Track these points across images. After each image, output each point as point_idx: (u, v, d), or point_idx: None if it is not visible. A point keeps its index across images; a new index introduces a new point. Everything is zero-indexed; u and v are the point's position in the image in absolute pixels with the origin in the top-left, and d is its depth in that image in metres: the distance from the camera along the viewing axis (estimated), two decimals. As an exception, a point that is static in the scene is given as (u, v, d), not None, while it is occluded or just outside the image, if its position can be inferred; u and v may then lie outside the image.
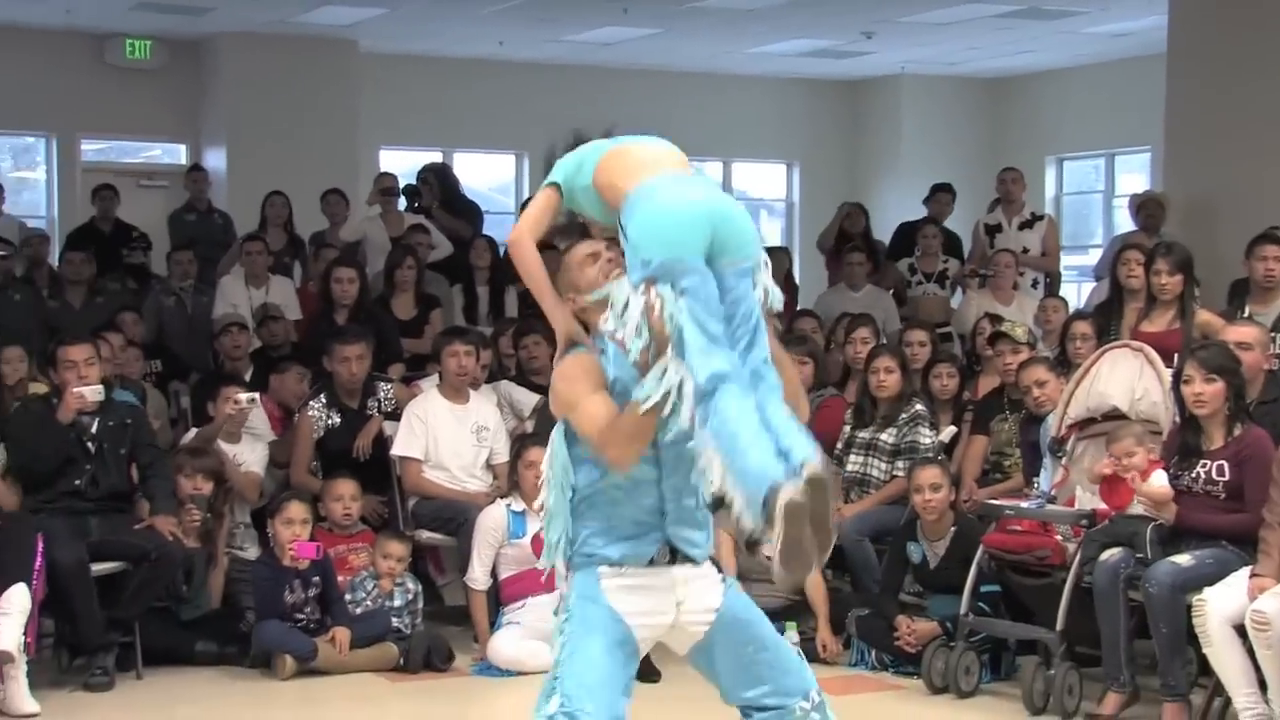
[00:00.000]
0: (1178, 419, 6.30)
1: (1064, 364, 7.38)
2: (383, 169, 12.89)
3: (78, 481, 6.81)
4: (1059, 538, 6.39)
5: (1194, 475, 5.96)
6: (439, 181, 11.96)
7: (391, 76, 14.56)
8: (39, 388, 7.54)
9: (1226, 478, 5.89)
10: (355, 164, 13.61)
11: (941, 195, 12.04)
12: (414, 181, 11.99)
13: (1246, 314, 7.41)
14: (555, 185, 4.10)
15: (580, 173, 4.10)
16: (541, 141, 15.82)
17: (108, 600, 6.60)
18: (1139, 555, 5.88)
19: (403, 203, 11.49)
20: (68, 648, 6.68)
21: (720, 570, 3.99)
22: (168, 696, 6.48)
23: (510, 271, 10.56)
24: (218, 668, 6.86)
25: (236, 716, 6.22)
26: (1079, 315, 8.24)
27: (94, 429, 6.89)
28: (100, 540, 6.67)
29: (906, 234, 11.75)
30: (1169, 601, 5.67)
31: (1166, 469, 6.03)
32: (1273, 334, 7.09)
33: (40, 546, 6.30)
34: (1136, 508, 6.03)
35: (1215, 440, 5.97)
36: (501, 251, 11.04)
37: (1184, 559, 5.76)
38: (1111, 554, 5.96)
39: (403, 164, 14.23)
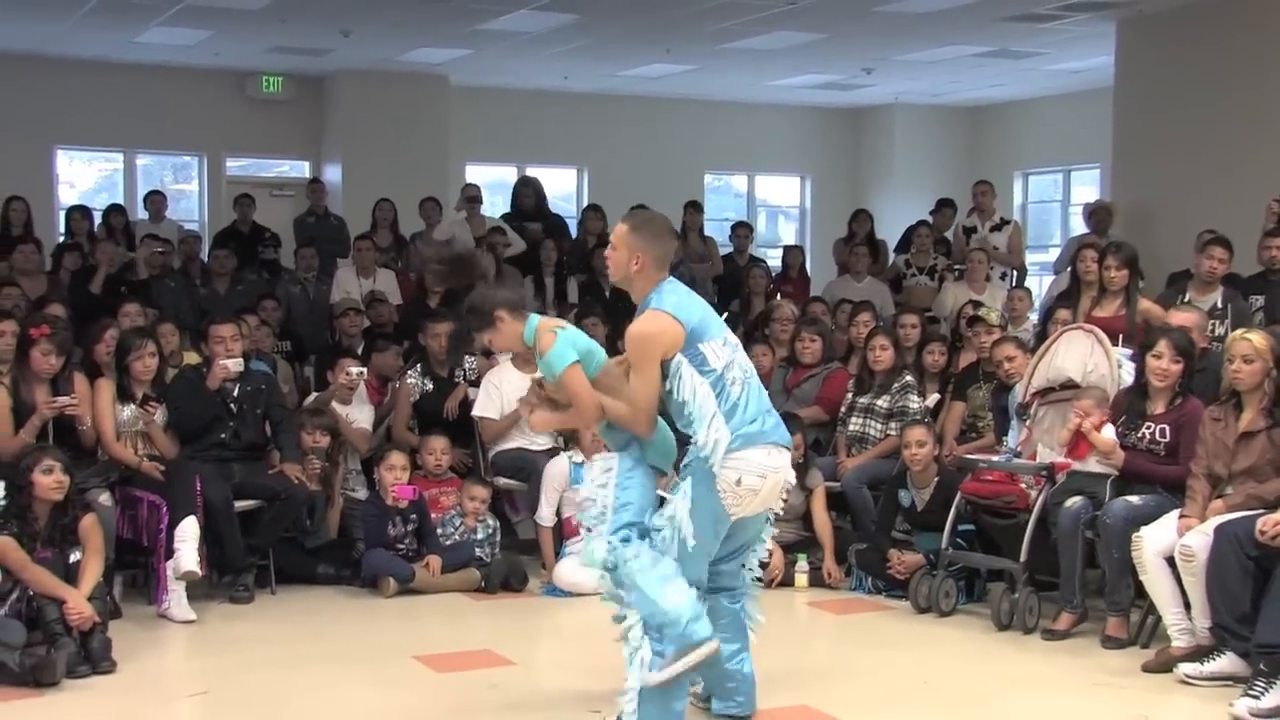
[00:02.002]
0: (1121, 385, 6.24)
1: (1043, 340, 7.28)
2: (468, 181, 12.91)
3: (223, 435, 6.85)
4: (1023, 486, 6.35)
5: (1139, 435, 5.92)
6: (534, 192, 11.92)
7: (476, 105, 14.55)
8: (192, 357, 7.59)
9: (1167, 439, 5.84)
10: (446, 177, 13.61)
11: (945, 209, 11.92)
12: (511, 188, 11.93)
13: (1187, 299, 7.33)
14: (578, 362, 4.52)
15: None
16: (599, 158, 15.95)
17: (247, 531, 6.64)
18: (1096, 513, 5.81)
19: (490, 208, 11.39)
20: (216, 568, 6.72)
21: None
22: (296, 609, 6.52)
23: (572, 267, 10.64)
24: (335, 586, 6.90)
25: (350, 625, 6.24)
26: (1060, 304, 8.05)
27: (235, 393, 6.93)
28: (241, 482, 6.71)
29: (909, 234, 11.64)
30: (1121, 532, 5.63)
31: (1115, 427, 5.99)
32: (1210, 320, 7.00)
33: (199, 486, 6.36)
34: (1091, 463, 5.98)
35: (1159, 407, 5.92)
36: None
37: (1135, 499, 5.74)
38: (1073, 502, 5.91)
39: (485, 177, 14.25)
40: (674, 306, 4.41)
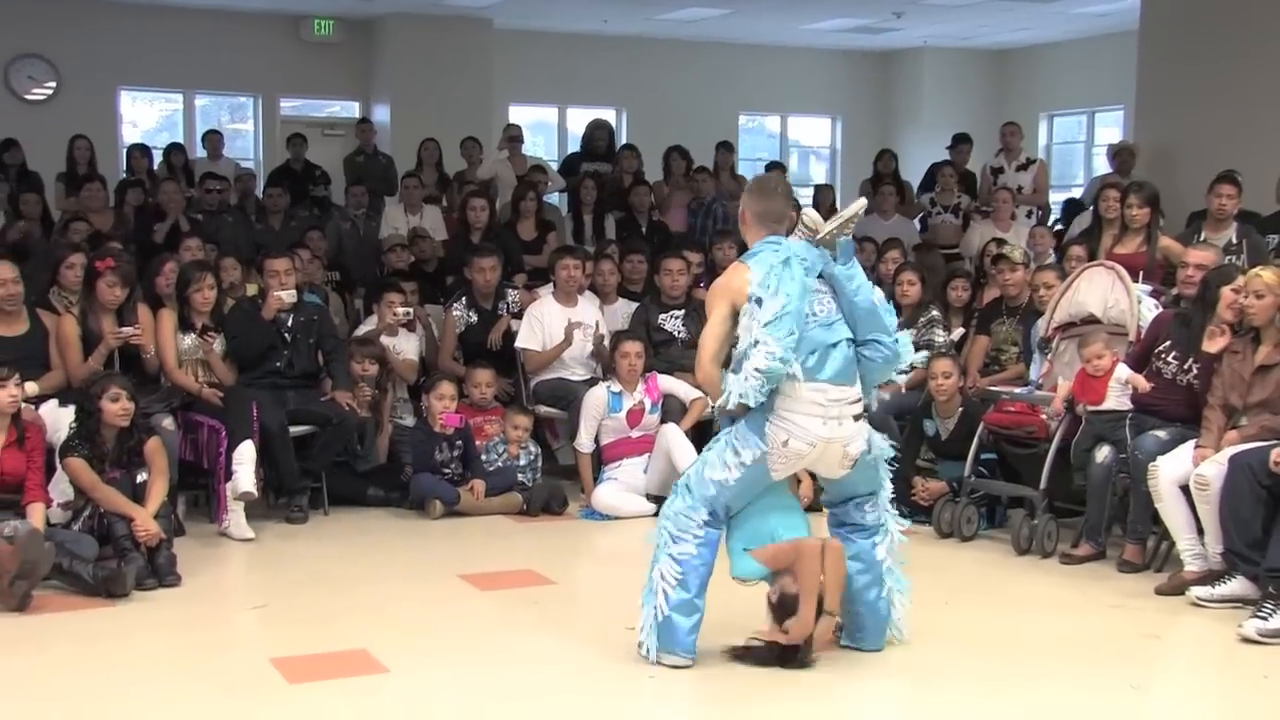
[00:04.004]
0: (1142, 321, 6.15)
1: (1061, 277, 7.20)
2: (510, 121, 12.83)
3: (278, 364, 6.89)
4: (1043, 417, 6.31)
5: (1185, 367, 5.77)
6: (607, 134, 11.84)
7: (518, 47, 14.46)
8: (252, 288, 7.62)
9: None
10: (489, 117, 13.56)
11: (962, 145, 11.75)
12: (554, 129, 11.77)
13: (1203, 238, 7.23)
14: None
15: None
16: (637, 99, 15.70)
17: (301, 455, 6.70)
18: (1122, 455, 5.76)
19: (531, 147, 11.24)
20: (273, 490, 6.79)
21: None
22: (347, 529, 6.59)
23: (610, 204, 10.54)
24: (384, 508, 6.96)
25: (399, 546, 6.30)
26: (1074, 241, 7.97)
27: (290, 323, 6.96)
28: (295, 409, 6.76)
29: (932, 173, 11.49)
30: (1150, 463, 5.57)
31: (1161, 354, 5.85)
32: (1226, 256, 6.90)
33: (255, 413, 6.42)
34: (1114, 398, 5.87)
35: (1215, 346, 5.68)
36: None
37: (1162, 433, 5.67)
38: (1103, 455, 5.83)
39: (527, 117, 14.19)
40: (755, 261, 4.25)
